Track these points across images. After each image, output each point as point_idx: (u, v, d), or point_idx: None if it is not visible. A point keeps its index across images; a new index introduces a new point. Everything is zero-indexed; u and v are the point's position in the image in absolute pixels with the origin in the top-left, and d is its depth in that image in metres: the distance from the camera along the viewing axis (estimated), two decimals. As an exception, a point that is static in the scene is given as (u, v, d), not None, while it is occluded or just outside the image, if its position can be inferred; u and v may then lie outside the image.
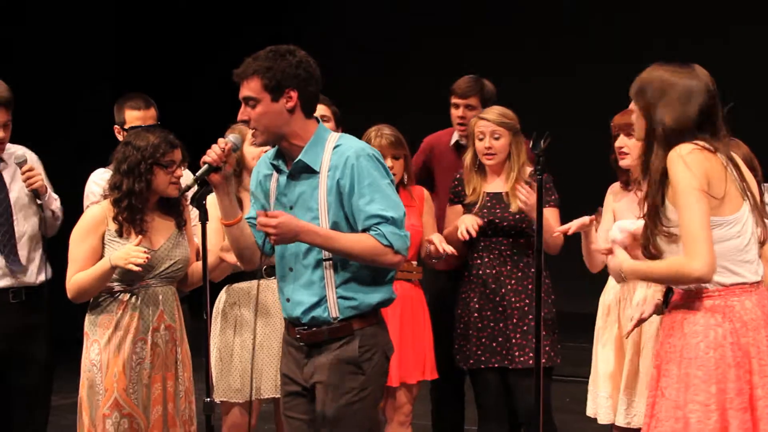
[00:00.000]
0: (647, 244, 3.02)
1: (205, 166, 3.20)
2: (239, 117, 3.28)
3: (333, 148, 3.28)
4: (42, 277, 4.30)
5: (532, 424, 3.28)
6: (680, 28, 8.60)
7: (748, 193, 2.99)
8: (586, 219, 3.93)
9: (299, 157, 3.26)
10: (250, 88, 3.21)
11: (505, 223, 4.33)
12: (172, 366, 3.86)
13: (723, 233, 2.93)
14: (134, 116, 4.43)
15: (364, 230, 3.24)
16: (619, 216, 4.07)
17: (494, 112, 4.41)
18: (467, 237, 4.23)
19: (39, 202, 4.23)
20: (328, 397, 3.28)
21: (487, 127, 4.35)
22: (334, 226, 3.25)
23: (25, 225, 4.28)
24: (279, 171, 3.35)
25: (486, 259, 4.40)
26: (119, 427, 3.70)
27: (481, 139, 4.37)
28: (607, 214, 4.14)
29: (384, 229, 3.20)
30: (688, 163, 2.87)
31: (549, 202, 4.34)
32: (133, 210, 3.72)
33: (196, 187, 3.25)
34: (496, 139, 4.34)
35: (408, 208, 4.25)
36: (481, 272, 4.39)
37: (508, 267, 4.35)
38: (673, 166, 2.90)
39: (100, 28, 9.65)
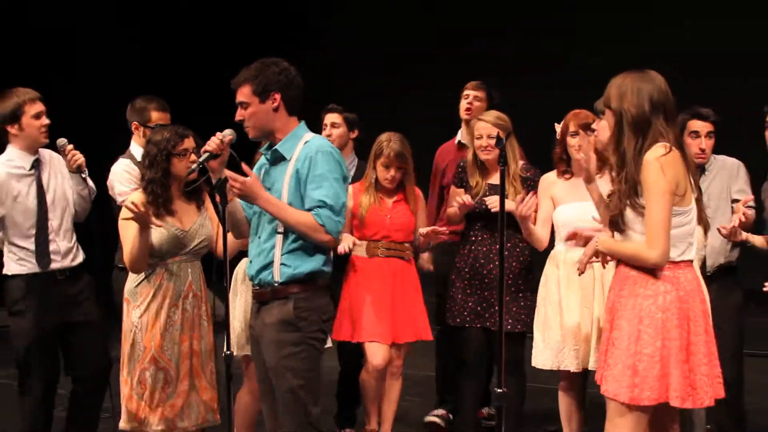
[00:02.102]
0: (616, 219, 3.49)
1: (206, 154, 3.70)
2: (236, 118, 3.80)
3: (304, 144, 3.79)
4: (80, 258, 4.76)
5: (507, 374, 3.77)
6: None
7: (695, 187, 3.50)
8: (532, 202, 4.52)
9: (276, 146, 3.80)
10: (243, 93, 3.76)
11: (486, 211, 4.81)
12: (197, 327, 4.31)
13: (680, 220, 3.42)
14: (159, 116, 4.97)
15: (308, 210, 3.71)
16: (560, 201, 4.69)
17: (491, 115, 4.98)
18: (462, 203, 4.77)
19: (83, 175, 4.72)
20: (270, 351, 3.74)
21: (485, 127, 4.90)
22: (290, 203, 3.73)
23: (60, 219, 4.72)
24: (267, 159, 3.88)
25: (480, 238, 4.96)
26: (155, 377, 4.18)
27: (479, 138, 4.93)
28: (544, 200, 4.73)
29: (322, 212, 3.69)
30: (663, 168, 3.34)
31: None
32: (156, 196, 4.21)
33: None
34: (492, 138, 4.85)
35: (402, 202, 5.01)
36: (474, 248, 4.95)
37: (498, 246, 4.81)
38: (649, 169, 3.36)
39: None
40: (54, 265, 4.68)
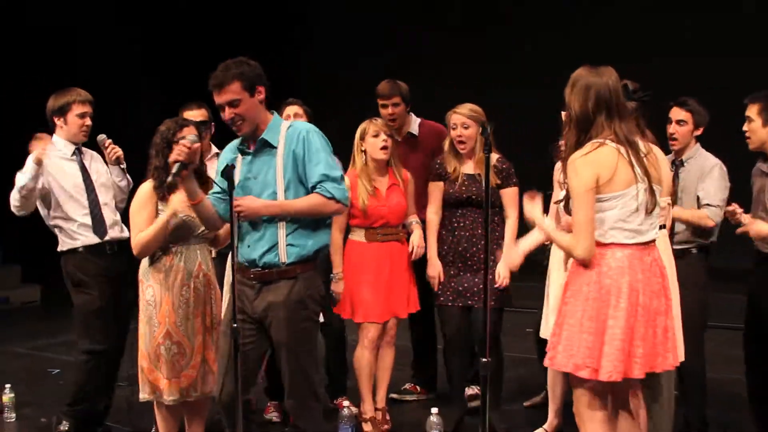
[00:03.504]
0: (566, 205, 3.75)
1: (178, 164, 3.86)
2: (226, 118, 3.90)
3: (286, 129, 3.97)
4: (126, 233, 5.13)
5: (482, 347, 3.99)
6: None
7: (642, 177, 3.55)
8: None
9: (262, 135, 3.93)
10: (232, 91, 3.84)
11: (479, 198, 5.12)
12: (208, 304, 4.56)
13: (606, 205, 3.56)
14: (189, 115, 5.29)
15: (313, 187, 3.88)
16: (563, 187, 4.97)
17: (465, 107, 5.18)
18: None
19: (122, 166, 5.20)
20: (281, 329, 3.89)
21: (459, 119, 5.16)
22: (289, 184, 3.89)
23: (105, 197, 5.20)
24: (244, 153, 4.01)
25: (462, 224, 5.20)
26: (170, 351, 4.44)
27: (454, 129, 5.18)
28: (557, 186, 4.95)
29: (327, 185, 3.88)
30: (577, 169, 3.51)
31: (511, 183, 5.14)
32: (162, 182, 4.34)
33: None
34: (466, 128, 5.13)
35: (394, 186, 5.29)
36: (457, 233, 5.21)
37: (479, 231, 5.16)
38: (568, 170, 3.55)
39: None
40: (108, 236, 5.13)
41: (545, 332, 5.03)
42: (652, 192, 3.63)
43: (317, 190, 3.91)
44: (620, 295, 3.55)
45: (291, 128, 4.00)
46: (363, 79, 6.76)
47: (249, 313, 4.00)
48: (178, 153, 3.89)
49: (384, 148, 5.24)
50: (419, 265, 5.38)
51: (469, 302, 5.18)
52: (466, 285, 5.19)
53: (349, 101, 8.27)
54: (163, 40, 10.58)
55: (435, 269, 5.23)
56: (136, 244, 4.46)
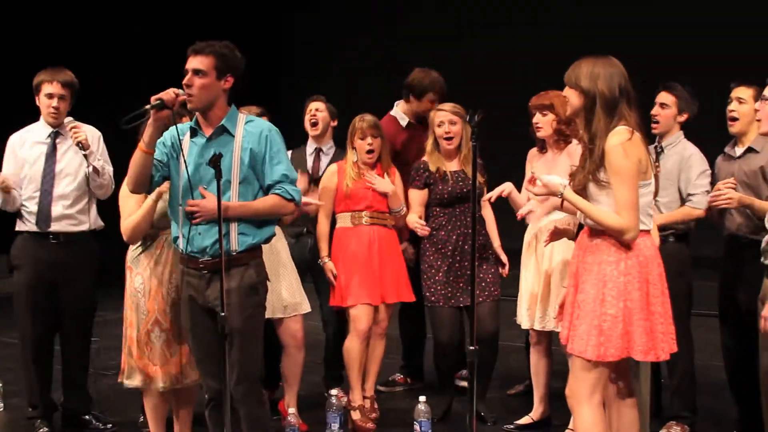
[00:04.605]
0: (581, 191, 3.70)
1: (159, 101, 3.78)
2: (184, 82, 3.87)
3: (245, 122, 4.00)
4: (78, 227, 5.13)
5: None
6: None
7: (653, 165, 3.78)
8: (502, 187, 4.81)
9: (221, 123, 3.93)
10: (203, 62, 3.87)
11: (465, 193, 5.17)
12: None
13: (641, 192, 3.68)
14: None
15: (270, 186, 3.94)
16: (537, 173, 5.04)
17: (449, 105, 5.29)
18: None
19: (85, 152, 5.06)
20: (236, 314, 3.89)
21: (445, 116, 5.23)
22: (244, 180, 3.93)
23: (66, 188, 5.11)
24: (195, 135, 3.99)
25: (463, 221, 5.22)
26: (159, 338, 4.43)
27: (440, 126, 5.24)
28: (528, 173, 5.02)
29: (286, 186, 3.96)
30: (627, 152, 3.60)
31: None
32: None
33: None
34: (453, 124, 5.21)
35: (381, 176, 5.31)
36: (459, 231, 5.22)
37: (464, 229, 5.19)
38: (614, 154, 3.61)
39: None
40: (51, 229, 5.08)
41: (521, 318, 5.11)
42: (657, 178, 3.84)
43: (277, 190, 3.97)
44: (655, 282, 3.72)
45: (250, 123, 4.03)
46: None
47: (200, 304, 4.02)
48: (162, 93, 3.85)
49: (370, 152, 5.30)
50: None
51: (460, 301, 5.20)
52: (455, 284, 5.22)
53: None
54: (164, 39, 10.44)
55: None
56: (125, 230, 4.46)
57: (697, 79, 5.29)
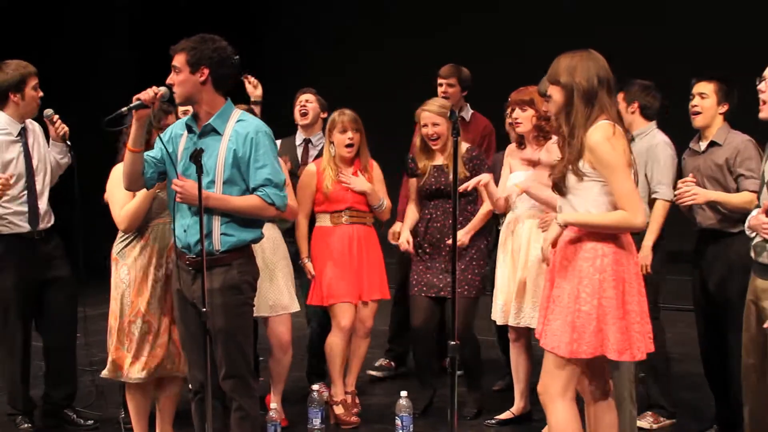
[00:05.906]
0: (559, 183, 3.68)
1: (138, 101, 3.85)
2: (167, 81, 3.97)
3: (236, 121, 3.99)
4: (52, 221, 5.14)
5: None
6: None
7: (632, 157, 3.70)
8: (479, 177, 4.83)
9: (209, 121, 3.96)
10: (177, 60, 3.94)
11: (448, 189, 5.20)
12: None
13: None
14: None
15: (254, 189, 3.94)
16: (514, 168, 5.09)
17: (434, 104, 5.30)
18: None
19: (68, 144, 5.10)
20: (219, 314, 3.94)
21: (429, 117, 5.26)
22: (228, 180, 3.94)
23: (42, 184, 5.12)
24: (190, 130, 4.04)
25: (434, 216, 5.31)
26: (140, 329, 4.44)
27: (425, 127, 5.29)
28: (505, 168, 5.14)
29: (269, 190, 3.95)
30: (614, 145, 3.59)
31: (483, 171, 5.12)
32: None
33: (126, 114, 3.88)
34: (436, 125, 5.25)
35: (359, 172, 5.33)
36: (430, 225, 5.31)
37: (450, 221, 5.15)
38: (602, 149, 3.58)
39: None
40: (39, 227, 5.06)
41: (495, 314, 5.13)
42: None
43: (258, 193, 3.97)
44: (631, 280, 3.68)
45: (240, 123, 4.02)
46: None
47: (187, 297, 4.07)
48: (142, 93, 3.90)
49: (349, 146, 5.30)
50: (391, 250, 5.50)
51: (442, 293, 5.25)
52: (441, 276, 5.27)
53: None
54: (153, 11, 10.55)
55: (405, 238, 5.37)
56: (123, 218, 4.47)
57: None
